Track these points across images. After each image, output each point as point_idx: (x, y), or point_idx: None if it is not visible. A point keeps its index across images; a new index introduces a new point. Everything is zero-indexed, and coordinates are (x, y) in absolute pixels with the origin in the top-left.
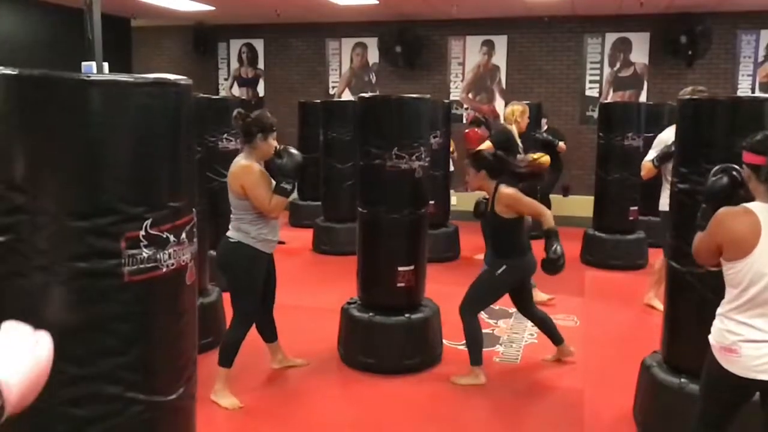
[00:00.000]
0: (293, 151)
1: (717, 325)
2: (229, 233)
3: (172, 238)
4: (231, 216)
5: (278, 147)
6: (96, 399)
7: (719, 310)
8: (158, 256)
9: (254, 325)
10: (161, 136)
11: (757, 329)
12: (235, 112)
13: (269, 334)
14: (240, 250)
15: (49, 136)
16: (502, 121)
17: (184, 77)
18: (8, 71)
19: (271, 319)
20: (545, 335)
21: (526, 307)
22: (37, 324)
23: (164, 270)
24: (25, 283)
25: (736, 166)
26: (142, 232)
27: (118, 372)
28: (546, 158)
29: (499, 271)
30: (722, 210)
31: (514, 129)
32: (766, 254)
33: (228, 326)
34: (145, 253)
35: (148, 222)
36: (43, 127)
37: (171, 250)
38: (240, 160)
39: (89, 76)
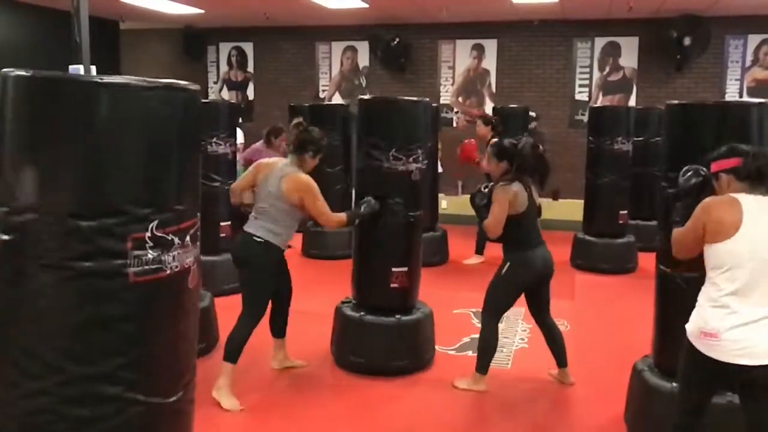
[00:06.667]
0: (373, 203)
1: (699, 311)
2: (252, 231)
3: (176, 240)
4: (258, 215)
5: (368, 198)
6: (96, 399)
7: (701, 298)
8: (163, 257)
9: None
10: (169, 140)
11: (739, 314)
12: (295, 120)
13: (278, 329)
14: (266, 249)
15: (58, 137)
16: None
17: (186, 82)
18: (20, 72)
19: (285, 316)
20: (551, 353)
21: (540, 315)
22: (42, 322)
23: (168, 272)
24: (32, 281)
25: (703, 167)
26: (148, 234)
27: (119, 372)
28: None
29: (504, 270)
30: (708, 198)
31: None
32: (747, 237)
33: (236, 323)
34: (151, 254)
35: (155, 223)
36: (53, 128)
37: (175, 253)
38: (298, 173)
39: (102, 78)
